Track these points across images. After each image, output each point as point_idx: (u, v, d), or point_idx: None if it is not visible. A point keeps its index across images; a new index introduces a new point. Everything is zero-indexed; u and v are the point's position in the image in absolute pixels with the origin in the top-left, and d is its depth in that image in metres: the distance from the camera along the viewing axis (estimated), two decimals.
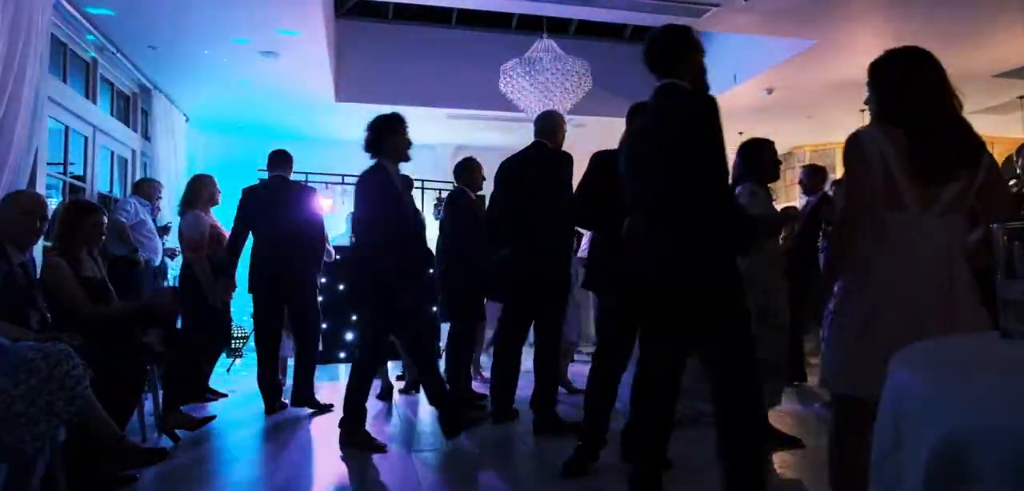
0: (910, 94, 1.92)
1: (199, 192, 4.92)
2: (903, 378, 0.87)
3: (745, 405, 2.38)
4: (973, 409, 0.69)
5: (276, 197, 4.63)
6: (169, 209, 6.10)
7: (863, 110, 7.74)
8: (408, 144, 3.79)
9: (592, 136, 5.65)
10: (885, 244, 1.91)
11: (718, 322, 2.39)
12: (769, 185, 3.46)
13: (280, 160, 4.76)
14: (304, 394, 4.56)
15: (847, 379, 1.93)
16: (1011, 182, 4.26)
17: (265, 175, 7.20)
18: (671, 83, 2.47)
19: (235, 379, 5.90)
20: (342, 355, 7.05)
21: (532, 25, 6.84)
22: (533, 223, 3.93)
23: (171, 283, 6.07)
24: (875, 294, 1.88)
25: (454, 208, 4.83)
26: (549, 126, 4.16)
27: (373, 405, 4.94)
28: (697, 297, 2.38)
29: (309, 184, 4.88)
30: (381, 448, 3.57)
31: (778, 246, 3.32)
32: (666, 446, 2.56)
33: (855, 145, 1.93)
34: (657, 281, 2.47)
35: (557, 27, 6.90)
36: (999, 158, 4.99)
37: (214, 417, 4.03)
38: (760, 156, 3.33)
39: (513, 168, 4.16)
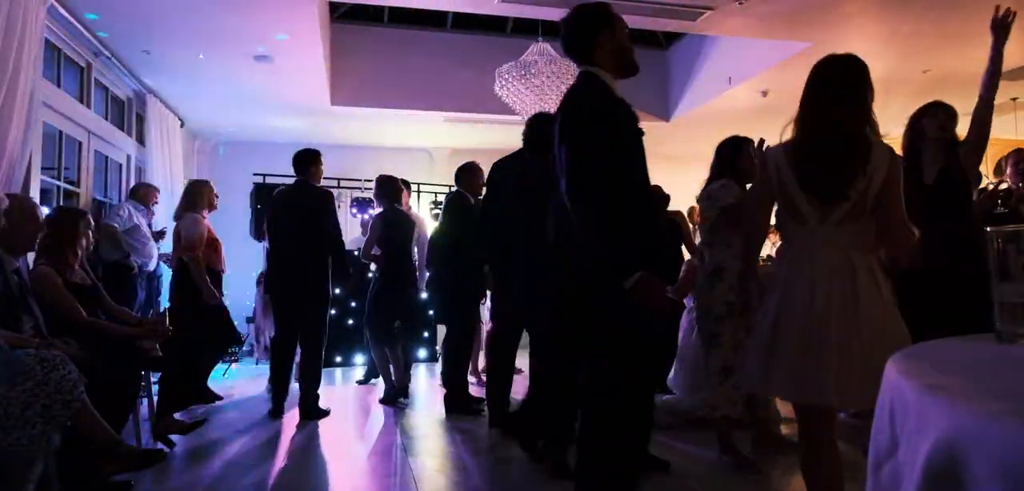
0: (800, 110, 2.04)
1: (198, 197, 4.94)
2: (899, 382, 0.87)
3: (592, 443, 2.18)
4: (969, 413, 0.70)
5: (292, 206, 4.62)
6: (165, 214, 6.08)
7: None
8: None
9: None
10: (788, 254, 2.03)
11: (588, 348, 2.22)
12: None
13: (301, 162, 4.71)
14: (310, 407, 4.53)
15: (755, 381, 2.04)
16: (1001, 184, 4.29)
17: (261, 180, 7.24)
18: (587, 71, 2.25)
19: (232, 382, 5.88)
20: (338, 359, 7.05)
21: (527, 28, 6.85)
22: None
23: (166, 286, 6.06)
24: (778, 301, 1.97)
25: (453, 211, 4.83)
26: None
27: (374, 408, 4.95)
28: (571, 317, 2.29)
29: (326, 190, 4.80)
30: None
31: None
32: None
33: (760, 159, 2.13)
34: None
35: (552, 30, 6.89)
36: (992, 160, 4.99)
37: (206, 421, 4.01)
38: (738, 156, 3.29)
39: (504, 169, 4.17)
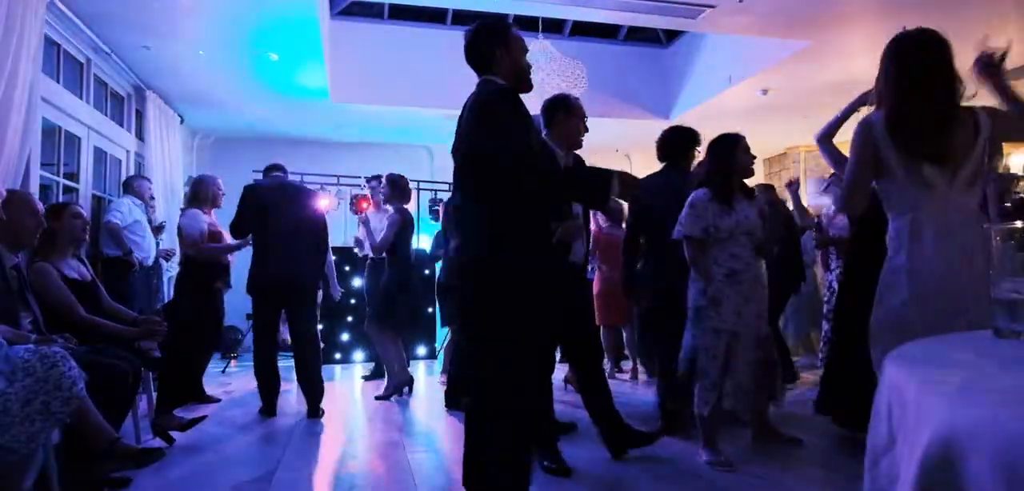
0: (897, 85, 2.05)
1: (203, 192, 4.97)
2: (897, 377, 0.88)
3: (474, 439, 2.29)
4: (966, 408, 0.70)
5: (281, 198, 4.62)
6: (163, 208, 6.08)
7: (858, 111, 7.78)
8: None
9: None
10: (913, 223, 2.00)
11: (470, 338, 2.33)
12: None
13: (278, 165, 4.85)
14: (317, 405, 4.51)
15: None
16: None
17: (260, 176, 7.25)
18: (484, 79, 2.43)
19: (230, 380, 5.89)
20: (338, 357, 7.05)
21: (527, 25, 6.84)
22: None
23: (165, 282, 6.06)
24: (910, 270, 1.99)
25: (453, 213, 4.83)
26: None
27: (372, 405, 4.95)
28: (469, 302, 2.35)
29: (308, 185, 4.84)
30: None
31: (720, 253, 3.18)
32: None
33: (859, 137, 2.06)
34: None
35: (552, 27, 6.90)
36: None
37: (206, 417, 4.01)
38: (734, 154, 3.26)
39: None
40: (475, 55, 2.47)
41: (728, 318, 3.13)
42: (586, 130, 3.33)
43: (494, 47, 2.40)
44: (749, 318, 3.19)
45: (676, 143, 3.91)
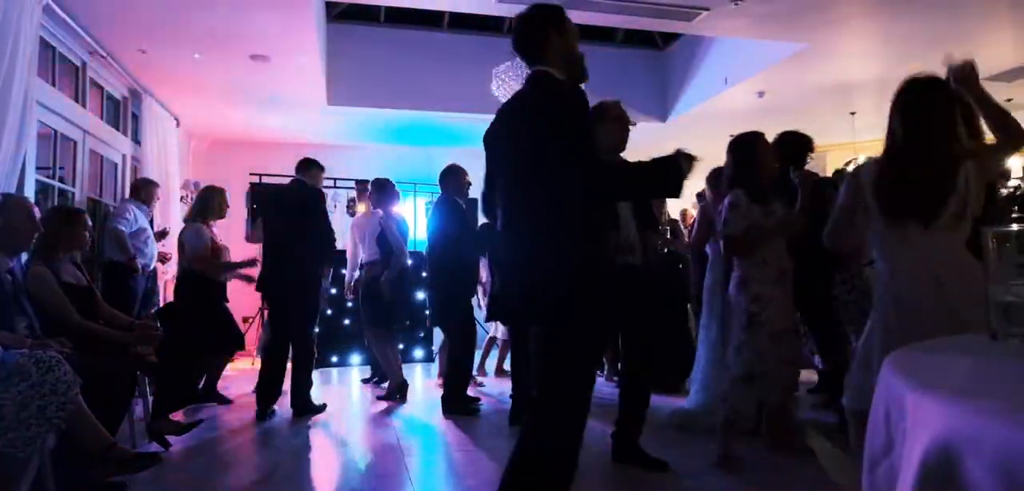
0: (894, 134, 2.17)
1: (210, 203, 4.98)
2: (894, 382, 0.88)
3: (532, 437, 2.19)
4: (964, 412, 0.70)
5: (282, 203, 4.70)
6: (158, 212, 6.06)
7: (854, 113, 7.80)
8: None
9: None
10: (891, 264, 2.16)
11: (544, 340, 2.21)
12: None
13: (301, 165, 4.81)
14: (301, 403, 4.54)
15: (859, 395, 2.08)
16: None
17: (256, 180, 7.24)
18: (541, 70, 2.27)
19: (227, 384, 5.87)
20: (334, 359, 7.04)
21: None
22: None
23: (161, 287, 6.05)
24: (885, 311, 2.13)
25: (442, 215, 4.82)
26: None
27: (369, 408, 4.94)
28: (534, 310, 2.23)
29: (316, 188, 4.84)
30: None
31: (769, 252, 3.15)
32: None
33: (851, 181, 2.27)
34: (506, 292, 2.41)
35: None
36: None
37: (202, 421, 4.00)
38: (756, 155, 3.22)
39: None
40: (526, 43, 2.30)
41: (781, 320, 3.11)
42: (627, 133, 3.23)
43: (548, 34, 2.26)
44: (792, 316, 3.24)
45: (794, 145, 3.90)
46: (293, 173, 4.90)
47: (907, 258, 2.10)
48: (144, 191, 5.42)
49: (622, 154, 3.21)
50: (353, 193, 7.88)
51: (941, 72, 2.14)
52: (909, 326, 1.96)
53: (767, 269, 3.12)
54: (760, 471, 3.17)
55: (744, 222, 3.11)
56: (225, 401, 5.00)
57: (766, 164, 3.23)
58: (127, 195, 5.67)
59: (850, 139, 8.05)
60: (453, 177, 4.87)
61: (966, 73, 2.07)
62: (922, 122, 2.10)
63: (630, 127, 3.25)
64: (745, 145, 3.25)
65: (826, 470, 3.17)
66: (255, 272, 4.89)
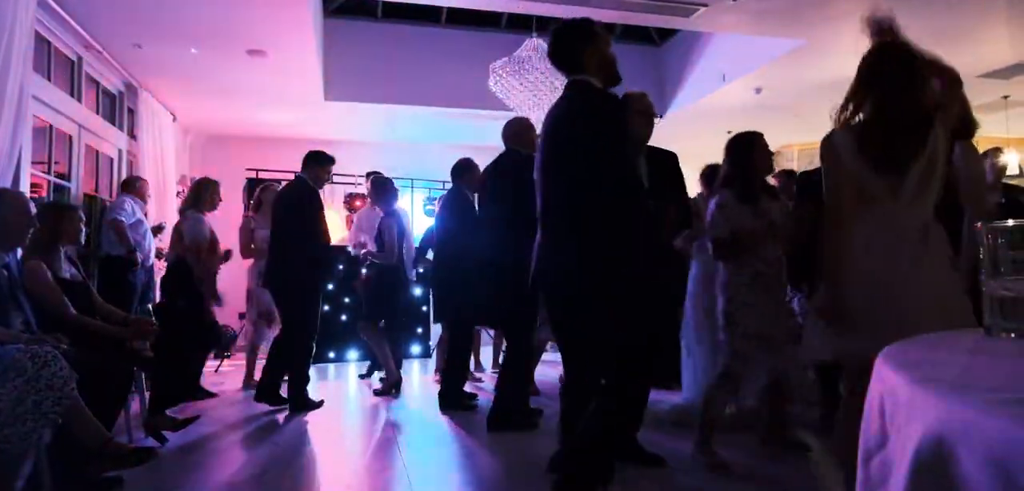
0: (861, 95, 2.18)
1: (203, 195, 5.00)
2: (888, 374, 0.88)
3: (587, 428, 2.35)
4: (958, 405, 0.70)
5: (281, 201, 4.74)
6: (154, 208, 6.05)
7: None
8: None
9: None
10: (862, 232, 2.12)
11: (588, 335, 2.38)
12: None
13: (308, 162, 4.77)
14: (298, 399, 4.55)
15: (816, 350, 2.29)
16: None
17: (253, 175, 7.22)
18: (579, 79, 2.46)
19: (223, 379, 5.86)
20: (331, 355, 7.04)
21: (522, 24, 6.84)
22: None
23: (157, 282, 6.03)
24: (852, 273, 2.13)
25: (452, 208, 4.82)
26: (515, 132, 4.18)
27: (366, 404, 4.95)
28: (574, 307, 2.37)
29: (312, 189, 4.82)
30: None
31: (749, 256, 3.12)
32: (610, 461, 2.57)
33: (827, 149, 2.20)
34: (545, 289, 2.53)
35: (546, 26, 6.90)
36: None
37: (198, 417, 4.00)
38: (752, 154, 3.19)
39: (491, 177, 4.22)
40: (564, 55, 2.52)
41: (757, 322, 3.08)
42: (652, 126, 3.25)
43: (584, 45, 2.46)
44: (779, 319, 3.19)
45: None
46: (290, 168, 4.92)
47: (882, 227, 2.09)
48: (136, 186, 5.42)
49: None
50: (350, 188, 7.89)
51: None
52: (882, 299, 2.00)
53: (742, 270, 3.12)
54: (755, 467, 3.18)
55: (729, 225, 3.11)
56: (210, 395, 5.00)
57: (761, 165, 3.22)
58: (119, 191, 5.67)
59: None
60: (467, 172, 4.83)
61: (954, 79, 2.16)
62: (894, 80, 2.13)
63: (655, 120, 3.28)
64: (741, 144, 3.23)
65: (818, 467, 3.18)
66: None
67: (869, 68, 2.17)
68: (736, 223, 3.10)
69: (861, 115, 2.17)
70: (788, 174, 5.16)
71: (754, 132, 3.26)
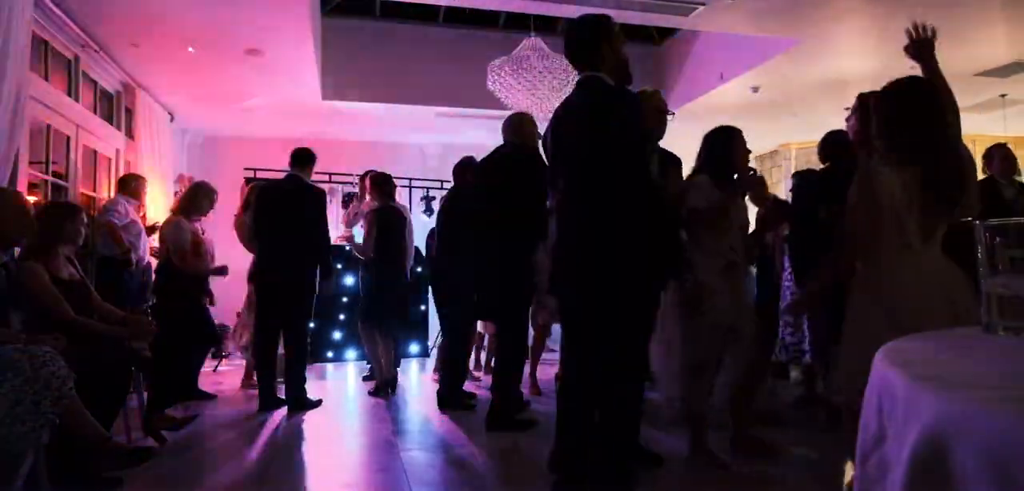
0: (900, 135, 2.28)
1: (196, 201, 4.98)
2: (886, 373, 0.88)
3: (610, 421, 2.40)
4: (955, 403, 0.70)
5: (283, 200, 4.68)
6: (151, 208, 6.04)
7: (848, 109, 7.81)
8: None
9: None
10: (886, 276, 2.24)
11: (605, 322, 2.41)
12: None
13: (299, 159, 4.77)
14: (296, 398, 4.54)
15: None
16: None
17: (251, 175, 7.21)
18: (592, 76, 2.45)
19: (221, 379, 5.86)
20: (329, 355, 7.03)
21: (519, 23, 6.83)
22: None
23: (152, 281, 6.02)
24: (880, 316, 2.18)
25: (453, 207, 4.81)
26: (515, 126, 4.18)
27: (364, 403, 4.94)
28: (591, 302, 2.41)
29: (321, 189, 4.83)
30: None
31: (718, 244, 3.09)
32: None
33: (864, 177, 2.31)
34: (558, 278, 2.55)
35: (544, 25, 6.89)
36: (978, 157, 5.06)
37: (197, 416, 4.00)
38: (729, 148, 3.18)
39: (487, 171, 4.21)
40: (580, 51, 2.50)
41: (726, 312, 3.02)
42: (665, 124, 3.26)
43: (600, 42, 2.45)
44: (747, 314, 3.17)
45: (836, 143, 3.84)
46: (287, 165, 4.87)
47: (910, 266, 2.14)
48: (132, 185, 5.40)
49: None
50: (348, 188, 7.87)
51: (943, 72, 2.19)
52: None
53: (715, 259, 3.06)
54: (754, 466, 3.18)
55: (705, 202, 3.05)
56: (209, 396, 4.98)
57: (738, 159, 3.20)
58: (115, 191, 5.66)
59: None
60: (469, 171, 4.81)
61: (925, 41, 2.19)
62: (938, 120, 2.21)
63: (668, 117, 3.30)
64: (721, 136, 3.22)
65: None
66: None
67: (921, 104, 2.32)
68: (712, 200, 3.07)
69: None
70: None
71: (734, 127, 3.27)
